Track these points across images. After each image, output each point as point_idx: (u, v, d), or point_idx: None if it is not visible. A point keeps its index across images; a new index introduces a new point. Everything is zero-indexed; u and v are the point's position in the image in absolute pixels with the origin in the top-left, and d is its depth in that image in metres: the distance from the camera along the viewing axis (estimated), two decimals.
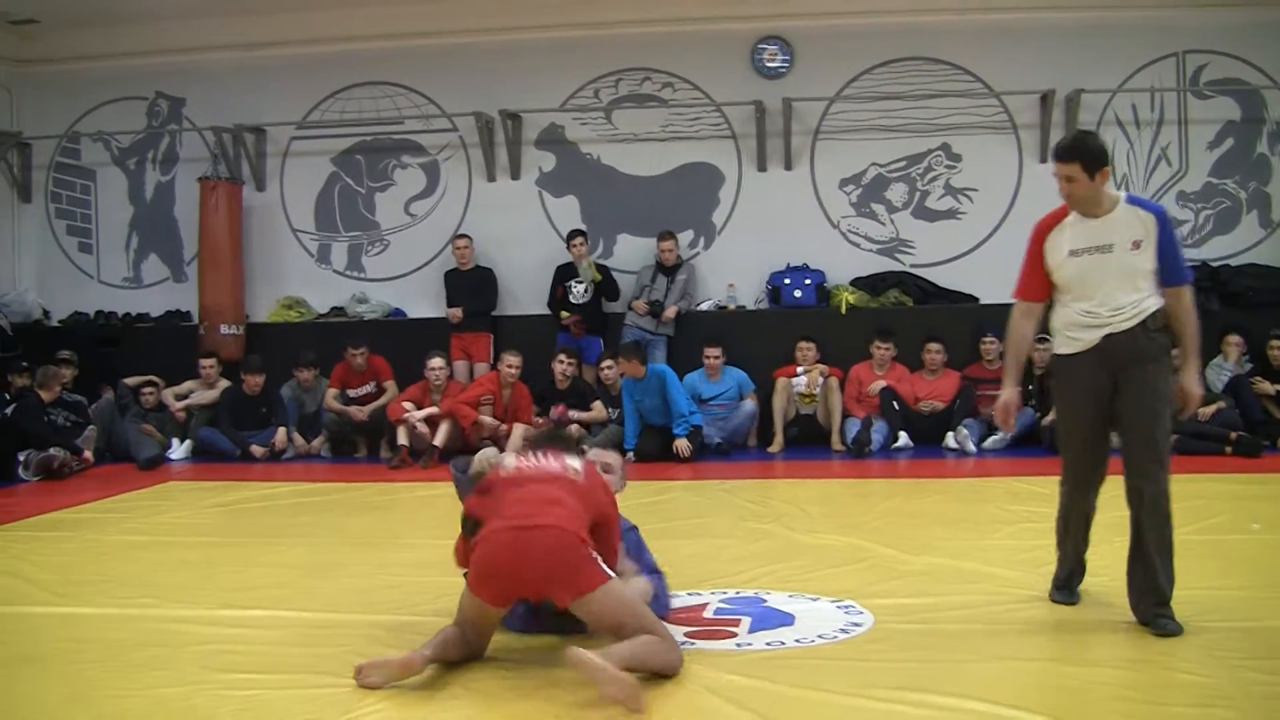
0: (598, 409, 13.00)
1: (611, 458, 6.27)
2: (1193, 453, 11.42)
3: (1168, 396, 5.63)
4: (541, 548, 4.95)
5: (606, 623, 5.00)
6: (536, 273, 14.22)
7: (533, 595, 5.17)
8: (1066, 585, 6.10)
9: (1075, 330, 5.80)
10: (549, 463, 5.44)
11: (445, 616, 5.95)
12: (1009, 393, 6.10)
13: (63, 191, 15.93)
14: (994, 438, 12.41)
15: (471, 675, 5.12)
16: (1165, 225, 5.64)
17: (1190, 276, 5.77)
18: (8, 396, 13.06)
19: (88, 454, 12.53)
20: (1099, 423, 5.80)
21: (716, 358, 13.16)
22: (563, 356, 13.07)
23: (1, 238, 15.67)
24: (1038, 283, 5.96)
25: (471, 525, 5.21)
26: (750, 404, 13.17)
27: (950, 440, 12.57)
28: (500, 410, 12.92)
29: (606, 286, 13.98)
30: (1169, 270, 5.64)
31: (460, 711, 4.74)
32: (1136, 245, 5.61)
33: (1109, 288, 5.67)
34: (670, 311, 13.65)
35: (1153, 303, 5.62)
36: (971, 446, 12.35)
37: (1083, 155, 5.65)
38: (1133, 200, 5.74)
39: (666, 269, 13.92)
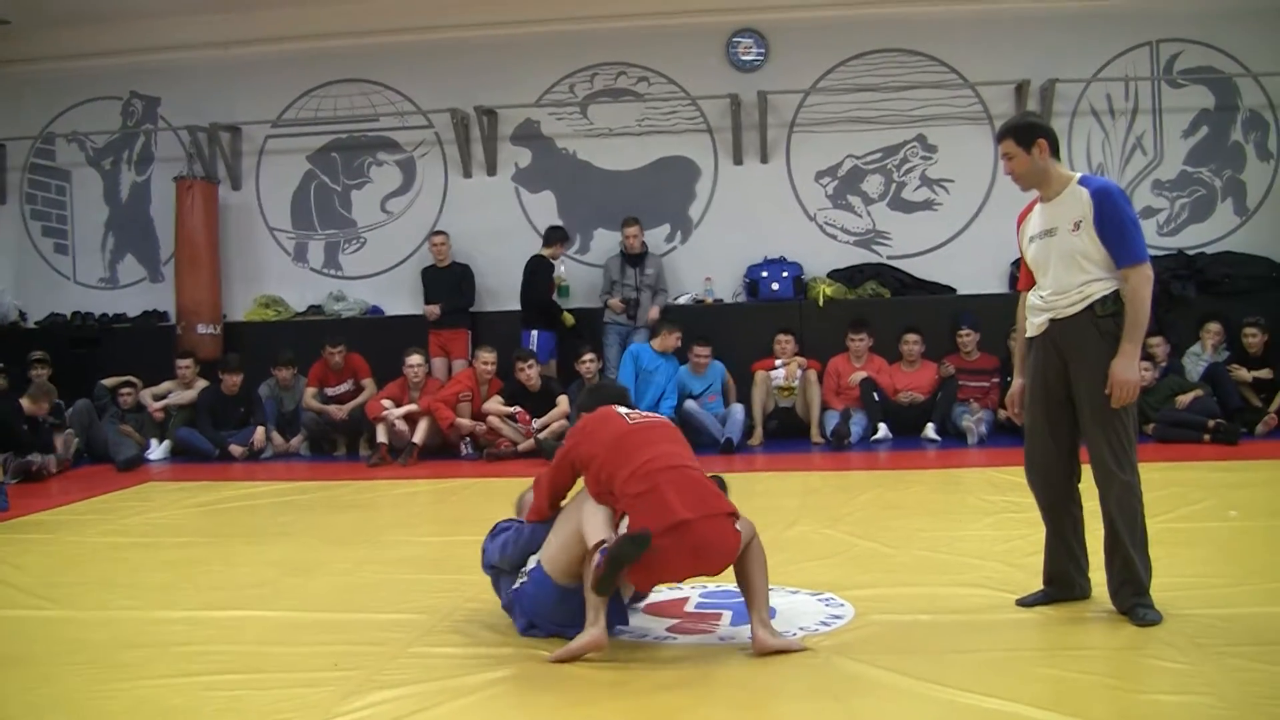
0: (562, 404, 12.84)
1: None
2: (1171, 440, 11.50)
3: None
4: (716, 546, 5.20)
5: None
6: (514, 268, 14.10)
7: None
8: (1047, 583, 5.92)
9: (1032, 314, 5.79)
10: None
11: (427, 614, 5.98)
12: (1016, 383, 6.09)
13: (38, 193, 15.86)
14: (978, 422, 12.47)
15: (469, 676, 5.13)
16: (1105, 203, 5.48)
17: (1141, 257, 5.49)
18: None
19: (58, 443, 12.46)
20: (1049, 410, 5.74)
21: (705, 356, 13.17)
22: (519, 364, 12.86)
23: None
24: (1026, 271, 5.94)
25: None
26: (739, 407, 13.12)
27: (930, 431, 12.61)
28: (478, 407, 12.90)
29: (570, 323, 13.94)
30: (1113, 251, 5.47)
31: (458, 709, 4.74)
32: (1076, 226, 5.53)
33: (1054, 272, 5.62)
34: (654, 313, 13.61)
35: (1101, 286, 5.51)
36: (984, 429, 12.46)
37: (1013, 131, 5.69)
38: (1082, 180, 5.65)
39: (632, 258, 13.86)
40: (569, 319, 13.78)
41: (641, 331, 13.59)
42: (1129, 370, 5.44)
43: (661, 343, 13.04)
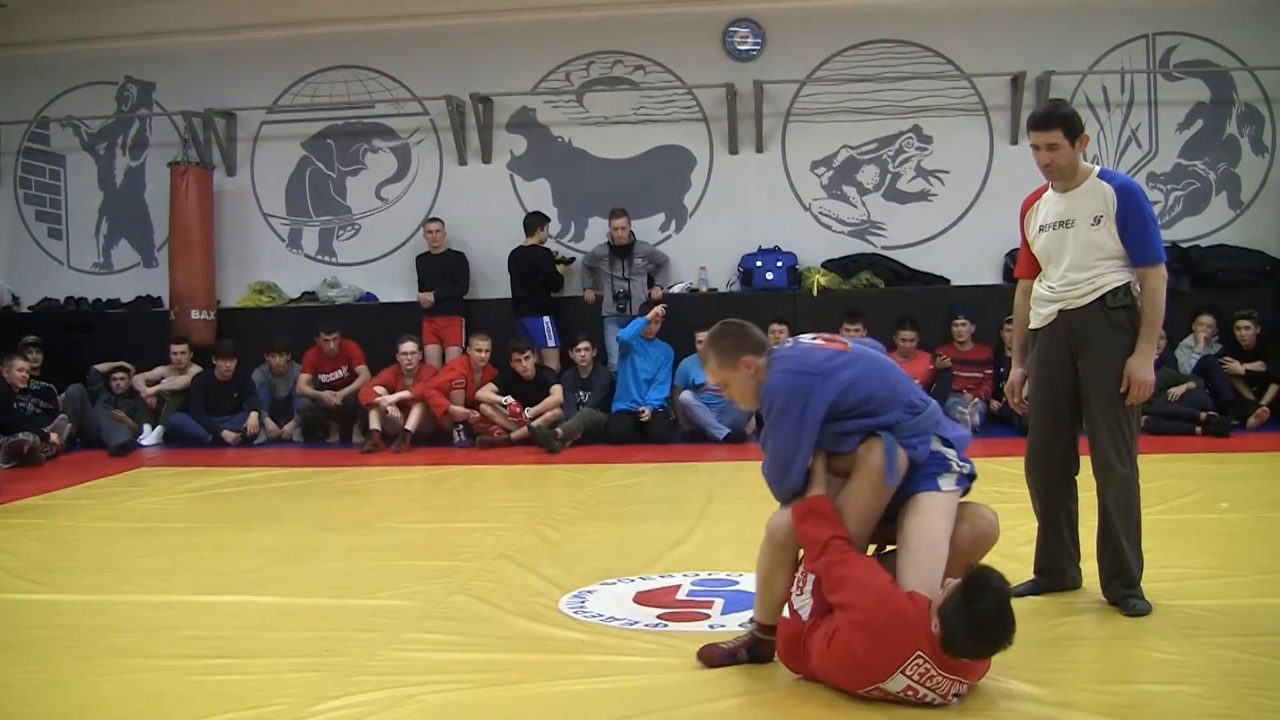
0: (555, 393, 12.91)
1: None
2: (1163, 433, 11.49)
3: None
4: None
5: None
6: (508, 256, 14.15)
7: None
8: (1039, 573, 5.93)
9: (1039, 305, 5.77)
10: None
11: (419, 600, 5.98)
12: (1015, 373, 6.07)
13: (32, 177, 15.82)
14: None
15: (460, 662, 5.14)
16: (1129, 201, 5.50)
17: (1160, 256, 5.54)
18: None
19: (55, 438, 12.47)
20: (1054, 402, 5.75)
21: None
22: (516, 355, 12.89)
23: None
24: (1027, 260, 5.93)
25: None
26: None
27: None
28: (472, 394, 12.90)
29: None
30: (1132, 249, 5.51)
31: (449, 695, 4.73)
32: (1096, 221, 5.53)
33: (1068, 263, 5.61)
34: (656, 293, 13.63)
35: (1114, 278, 5.53)
36: (977, 419, 12.54)
37: (1063, 122, 5.57)
38: (1103, 174, 5.64)
39: (621, 249, 13.85)
40: (561, 266, 13.98)
41: (639, 321, 13.54)
42: (1147, 370, 5.50)
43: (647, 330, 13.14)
